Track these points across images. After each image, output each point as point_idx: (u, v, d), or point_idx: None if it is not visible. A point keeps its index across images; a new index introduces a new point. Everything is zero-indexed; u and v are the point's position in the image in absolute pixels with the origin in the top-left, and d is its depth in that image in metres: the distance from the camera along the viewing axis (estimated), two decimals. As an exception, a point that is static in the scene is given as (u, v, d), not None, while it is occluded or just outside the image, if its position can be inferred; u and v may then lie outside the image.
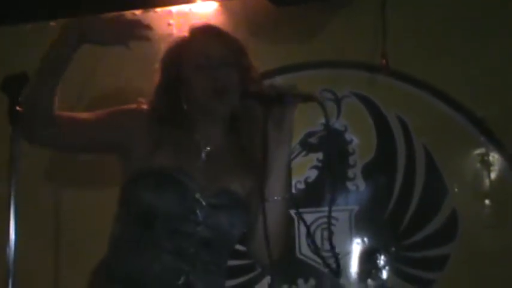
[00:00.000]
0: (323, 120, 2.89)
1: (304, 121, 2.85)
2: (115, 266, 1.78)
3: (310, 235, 2.68)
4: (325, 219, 2.96)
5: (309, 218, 2.97)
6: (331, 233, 2.31)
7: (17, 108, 1.74)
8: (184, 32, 1.92)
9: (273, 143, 1.73)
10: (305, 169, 3.00)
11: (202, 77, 1.81)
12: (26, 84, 1.79)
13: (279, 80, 2.98)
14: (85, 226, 3.04)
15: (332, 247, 1.86)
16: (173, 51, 1.90)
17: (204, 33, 1.90)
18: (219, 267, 1.82)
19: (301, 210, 2.84)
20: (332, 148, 2.94)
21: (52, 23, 3.34)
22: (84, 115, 1.89)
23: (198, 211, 1.75)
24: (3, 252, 1.69)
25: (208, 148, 1.85)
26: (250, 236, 1.84)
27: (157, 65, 1.91)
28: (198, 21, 2.03)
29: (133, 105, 1.91)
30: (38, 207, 3.06)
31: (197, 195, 1.75)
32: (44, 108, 1.72)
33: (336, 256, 1.84)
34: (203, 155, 1.84)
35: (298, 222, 2.95)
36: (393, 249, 2.91)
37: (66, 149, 2.00)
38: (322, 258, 1.87)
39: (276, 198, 1.77)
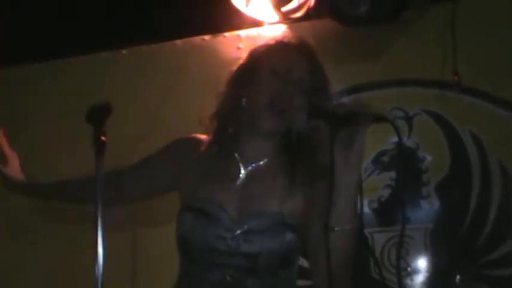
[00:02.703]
0: (395, 139, 2.97)
1: (376, 140, 2.85)
2: None
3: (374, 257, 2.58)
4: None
5: (382, 237, 2.97)
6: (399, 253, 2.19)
7: (102, 138, 1.80)
8: (284, 38, 1.91)
9: (340, 167, 1.58)
10: (378, 188, 2.98)
11: (271, 85, 1.79)
12: (110, 114, 1.86)
13: (348, 99, 2.99)
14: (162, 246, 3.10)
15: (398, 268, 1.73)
16: (262, 47, 1.90)
17: (296, 48, 1.86)
18: None
19: (374, 229, 2.97)
20: (404, 167, 2.93)
21: (124, 51, 3.45)
22: (140, 162, 2.01)
23: (229, 241, 1.72)
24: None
25: (250, 168, 1.82)
26: (313, 267, 1.72)
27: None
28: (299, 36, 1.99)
29: (190, 136, 1.96)
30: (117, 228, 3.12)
31: (228, 225, 1.73)
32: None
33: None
34: (241, 177, 1.81)
35: (373, 243, 2.95)
36: (470, 267, 2.86)
37: (137, 199, 2.10)
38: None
39: (341, 228, 1.61)
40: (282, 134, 1.82)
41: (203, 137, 1.93)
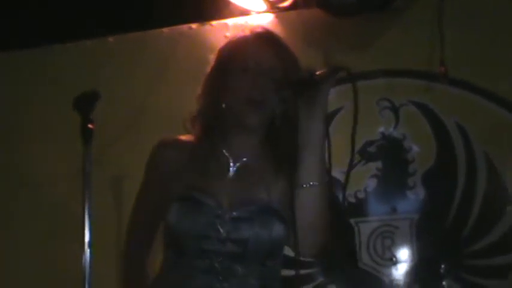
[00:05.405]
0: (382, 129, 3.00)
1: (363, 130, 2.84)
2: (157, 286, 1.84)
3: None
4: (386, 228, 2.96)
5: (369, 227, 2.98)
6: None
7: (89, 126, 1.78)
8: (246, 31, 1.92)
9: (305, 122, 1.70)
10: (364, 178, 2.99)
11: (244, 80, 1.81)
12: (97, 101, 1.83)
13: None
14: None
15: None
16: (229, 45, 1.91)
17: (262, 38, 1.89)
18: (264, 279, 1.78)
19: (361, 219, 2.98)
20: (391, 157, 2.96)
21: (110, 39, 3.42)
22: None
23: (220, 228, 1.74)
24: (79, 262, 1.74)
25: (238, 163, 1.85)
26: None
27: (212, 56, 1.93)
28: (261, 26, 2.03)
29: (168, 140, 1.92)
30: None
31: (218, 212, 1.75)
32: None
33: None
34: (231, 170, 1.84)
35: (359, 232, 2.97)
36: (455, 257, 2.88)
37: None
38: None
39: (310, 184, 1.71)
40: (267, 125, 1.86)
41: (183, 137, 1.92)
